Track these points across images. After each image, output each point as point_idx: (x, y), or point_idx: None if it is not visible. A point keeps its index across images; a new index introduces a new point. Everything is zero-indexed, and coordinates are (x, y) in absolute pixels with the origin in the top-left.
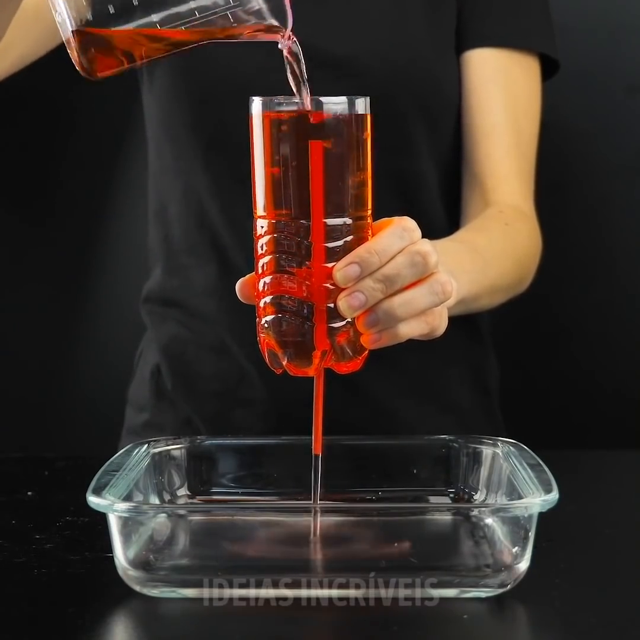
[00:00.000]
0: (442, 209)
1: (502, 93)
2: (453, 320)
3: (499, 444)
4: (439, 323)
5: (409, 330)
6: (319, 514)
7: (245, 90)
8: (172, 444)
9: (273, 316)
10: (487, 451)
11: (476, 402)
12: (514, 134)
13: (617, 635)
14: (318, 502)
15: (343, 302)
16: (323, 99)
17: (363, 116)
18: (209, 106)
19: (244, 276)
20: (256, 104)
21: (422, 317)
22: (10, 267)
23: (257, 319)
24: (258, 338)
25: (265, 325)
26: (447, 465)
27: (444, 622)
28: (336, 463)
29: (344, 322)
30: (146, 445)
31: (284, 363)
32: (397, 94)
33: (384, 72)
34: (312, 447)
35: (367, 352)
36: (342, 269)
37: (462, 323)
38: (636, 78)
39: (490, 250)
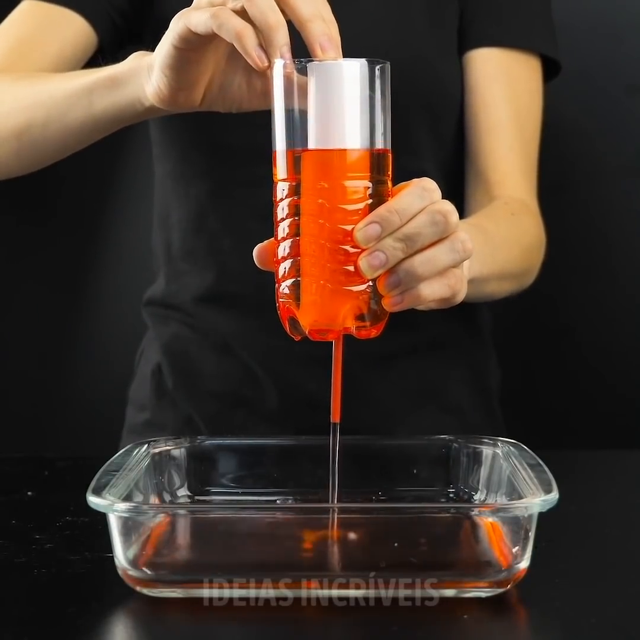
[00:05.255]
0: None
1: (504, 91)
2: (454, 320)
3: (499, 444)
4: (460, 287)
5: (431, 291)
6: (320, 515)
7: None
8: (172, 444)
9: (293, 279)
10: (487, 451)
11: (476, 402)
12: (517, 131)
13: (617, 635)
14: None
15: (363, 262)
16: (342, 60)
17: (383, 78)
18: (211, 111)
19: (242, 283)
20: (278, 65)
21: (443, 279)
22: (10, 266)
23: (277, 285)
24: (277, 305)
25: (286, 290)
26: (447, 465)
27: (444, 622)
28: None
29: (365, 286)
30: (146, 445)
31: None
32: (400, 93)
33: None
34: (331, 414)
35: (387, 317)
36: (362, 229)
37: (464, 323)
38: (636, 78)
39: (499, 236)
